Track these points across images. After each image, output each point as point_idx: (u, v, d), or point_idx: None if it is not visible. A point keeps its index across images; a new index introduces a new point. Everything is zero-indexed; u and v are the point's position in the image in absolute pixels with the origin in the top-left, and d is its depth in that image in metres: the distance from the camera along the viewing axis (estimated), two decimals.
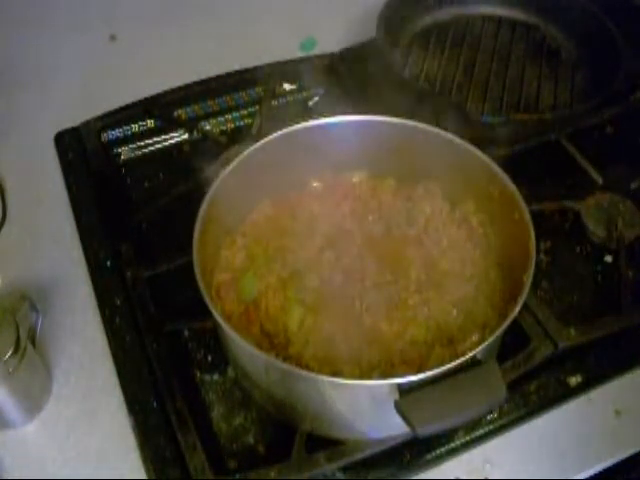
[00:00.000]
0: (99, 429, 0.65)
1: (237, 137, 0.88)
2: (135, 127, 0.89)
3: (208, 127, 0.90)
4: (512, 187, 0.62)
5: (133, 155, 0.89)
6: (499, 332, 0.53)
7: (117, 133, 0.88)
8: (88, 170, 0.83)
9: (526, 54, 0.97)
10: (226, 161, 0.66)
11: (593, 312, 0.73)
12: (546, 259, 0.77)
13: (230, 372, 0.68)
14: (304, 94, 0.94)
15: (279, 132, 0.67)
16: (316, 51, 0.97)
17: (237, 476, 0.60)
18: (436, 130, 0.66)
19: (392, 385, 0.51)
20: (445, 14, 1.02)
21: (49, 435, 0.65)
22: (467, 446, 0.63)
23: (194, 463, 0.60)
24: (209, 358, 0.70)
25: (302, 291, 0.64)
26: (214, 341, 0.69)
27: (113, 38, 1.02)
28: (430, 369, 0.51)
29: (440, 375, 0.50)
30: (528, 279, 0.56)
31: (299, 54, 0.96)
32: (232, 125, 0.91)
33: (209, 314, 0.55)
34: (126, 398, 0.65)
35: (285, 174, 0.70)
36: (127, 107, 0.89)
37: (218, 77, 0.91)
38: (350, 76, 0.92)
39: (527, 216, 0.60)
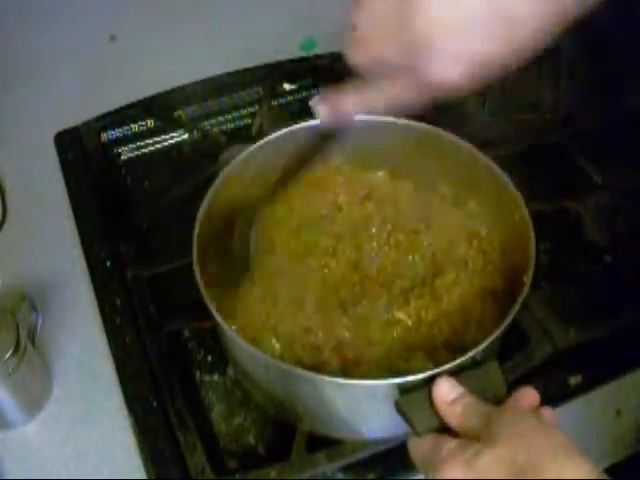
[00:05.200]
0: (99, 429, 0.65)
1: (237, 137, 0.88)
2: (135, 127, 0.89)
3: (208, 127, 0.90)
4: (512, 187, 0.62)
5: (133, 155, 0.89)
6: (499, 332, 0.53)
7: (117, 133, 0.88)
8: (88, 170, 0.83)
9: None
10: (226, 161, 0.66)
11: (593, 312, 0.73)
12: (546, 259, 0.77)
13: (230, 372, 0.68)
14: (304, 94, 0.94)
15: (279, 132, 0.67)
16: (316, 51, 0.97)
17: (237, 476, 0.60)
18: (436, 130, 0.66)
19: (392, 385, 0.51)
20: None
21: (49, 435, 0.65)
22: None
23: (194, 463, 0.60)
24: (209, 358, 0.70)
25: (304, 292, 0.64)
26: (214, 341, 0.69)
27: (113, 38, 1.02)
28: (430, 369, 0.51)
29: (440, 375, 0.50)
30: (528, 279, 0.56)
31: (299, 54, 0.96)
32: (232, 125, 0.91)
33: (209, 314, 0.55)
34: (126, 398, 0.65)
35: (284, 174, 0.70)
36: (127, 107, 0.89)
37: (218, 77, 0.91)
38: (350, 76, 0.92)
39: (527, 216, 0.60)
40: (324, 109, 0.56)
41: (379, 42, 0.49)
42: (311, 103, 0.57)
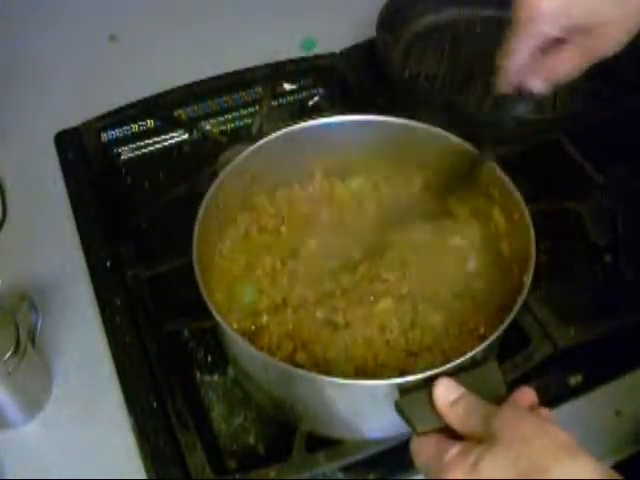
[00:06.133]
0: (99, 429, 0.65)
1: (237, 137, 0.88)
2: (135, 127, 0.89)
3: (208, 127, 0.90)
4: (512, 187, 0.62)
5: (133, 155, 0.89)
6: (499, 332, 0.53)
7: (117, 133, 0.88)
8: (88, 170, 0.83)
9: None
10: (226, 161, 0.66)
11: (593, 312, 0.73)
12: (546, 259, 0.77)
13: (230, 372, 0.68)
14: (304, 94, 0.94)
15: (279, 132, 0.67)
16: (316, 51, 0.97)
17: (237, 476, 0.60)
18: (436, 130, 0.66)
19: (392, 385, 0.51)
20: (445, 14, 1.02)
21: (49, 435, 0.65)
22: None
23: (194, 463, 0.60)
24: (209, 358, 0.70)
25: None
26: (214, 341, 0.69)
27: (113, 38, 1.02)
28: (430, 369, 0.51)
29: (440, 375, 0.50)
30: (528, 279, 0.56)
31: (299, 54, 0.96)
32: (232, 125, 0.91)
33: (209, 314, 0.55)
34: (126, 398, 0.65)
35: (285, 174, 0.70)
36: (127, 107, 0.89)
37: (218, 77, 0.91)
38: (350, 76, 0.92)
39: (527, 216, 0.60)
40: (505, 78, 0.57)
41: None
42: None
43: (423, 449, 0.48)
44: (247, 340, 0.56)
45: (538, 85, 0.56)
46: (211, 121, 0.90)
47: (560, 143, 0.83)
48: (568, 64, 0.55)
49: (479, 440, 0.45)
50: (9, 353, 0.59)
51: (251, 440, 0.65)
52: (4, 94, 0.91)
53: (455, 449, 0.45)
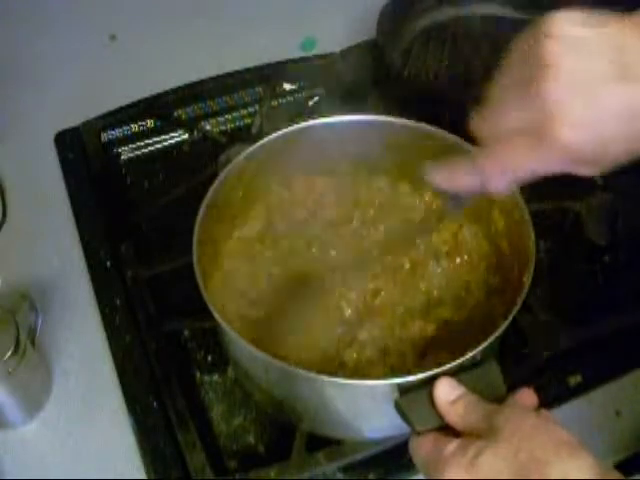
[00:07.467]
0: (99, 429, 0.65)
1: (237, 137, 0.88)
2: (135, 127, 0.89)
3: (208, 127, 0.90)
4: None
5: (133, 155, 0.89)
6: (499, 332, 0.53)
7: (117, 133, 0.88)
8: (88, 170, 0.83)
9: None
10: (226, 161, 0.66)
11: (593, 312, 0.73)
12: (546, 259, 0.77)
13: (230, 372, 0.68)
14: (304, 94, 0.94)
15: (279, 132, 0.67)
16: (316, 51, 0.97)
17: (237, 476, 0.61)
18: (435, 130, 0.66)
19: (392, 385, 0.51)
20: (445, 14, 1.02)
21: (49, 435, 0.65)
22: None
23: (194, 463, 0.60)
24: (209, 358, 0.70)
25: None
26: (214, 341, 0.69)
27: (113, 38, 1.02)
28: (430, 369, 0.51)
29: (440, 375, 0.50)
30: (528, 279, 0.56)
31: (299, 54, 0.96)
32: (232, 125, 0.91)
33: (209, 314, 0.55)
34: (126, 398, 0.65)
35: (285, 174, 0.70)
36: (127, 107, 0.89)
37: (218, 77, 0.91)
38: (350, 76, 0.92)
39: (527, 216, 0.60)
40: (440, 181, 0.52)
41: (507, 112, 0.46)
42: (426, 177, 0.52)
43: (422, 446, 0.48)
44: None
45: (502, 185, 0.48)
46: (211, 121, 0.90)
47: None
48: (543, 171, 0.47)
49: (479, 437, 0.45)
50: (9, 353, 0.59)
51: (251, 440, 0.65)
52: (4, 94, 0.91)
53: (454, 444, 0.45)
